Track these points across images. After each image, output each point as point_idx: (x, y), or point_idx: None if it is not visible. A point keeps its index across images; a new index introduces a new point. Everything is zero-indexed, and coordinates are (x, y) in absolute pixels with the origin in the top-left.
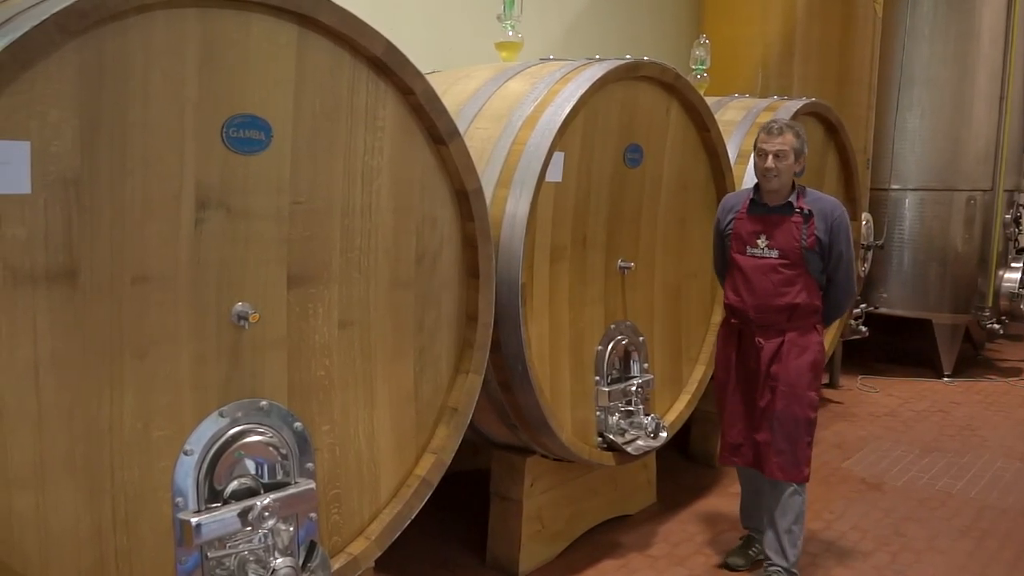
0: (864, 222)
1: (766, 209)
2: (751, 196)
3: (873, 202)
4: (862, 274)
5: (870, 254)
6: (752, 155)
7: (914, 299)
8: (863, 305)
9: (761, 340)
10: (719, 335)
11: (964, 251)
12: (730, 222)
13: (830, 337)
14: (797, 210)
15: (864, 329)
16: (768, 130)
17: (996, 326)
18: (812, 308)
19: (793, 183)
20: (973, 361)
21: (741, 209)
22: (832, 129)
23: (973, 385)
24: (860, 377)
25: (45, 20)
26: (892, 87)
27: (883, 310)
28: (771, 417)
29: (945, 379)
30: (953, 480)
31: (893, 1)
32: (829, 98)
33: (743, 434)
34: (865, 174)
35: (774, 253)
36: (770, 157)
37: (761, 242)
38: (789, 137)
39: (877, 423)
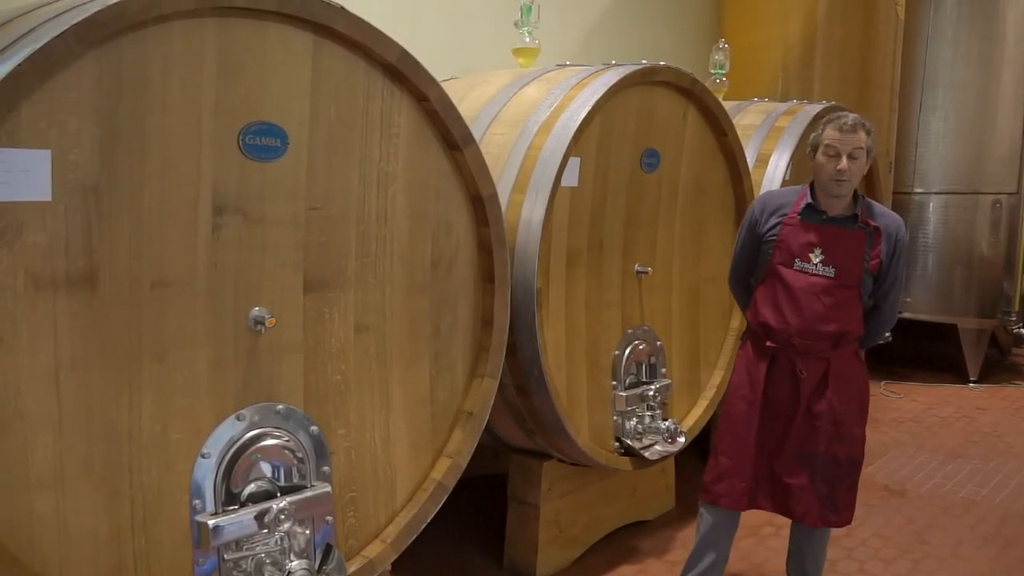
0: None
1: (823, 218)
2: (806, 199)
3: (895, 205)
4: None
5: None
6: (813, 153)
7: (939, 303)
8: None
9: (803, 370)
10: (743, 357)
11: (990, 255)
12: (775, 226)
13: None
14: (862, 224)
15: (888, 334)
16: (839, 126)
17: (1023, 331)
18: (856, 335)
19: (855, 191)
20: (999, 366)
21: (791, 213)
22: None
23: (999, 391)
24: (884, 382)
25: (65, 31)
26: (915, 89)
27: (907, 315)
28: (809, 459)
29: (971, 384)
30: (978, 487)
31: (916, 3)
32: (850, 101)
33: (762, 476)
34: (887, 177)
35: (830, 271)
36: (844, 158)
37: (815, 257)
38: (862, 134)
39: (901, 429)
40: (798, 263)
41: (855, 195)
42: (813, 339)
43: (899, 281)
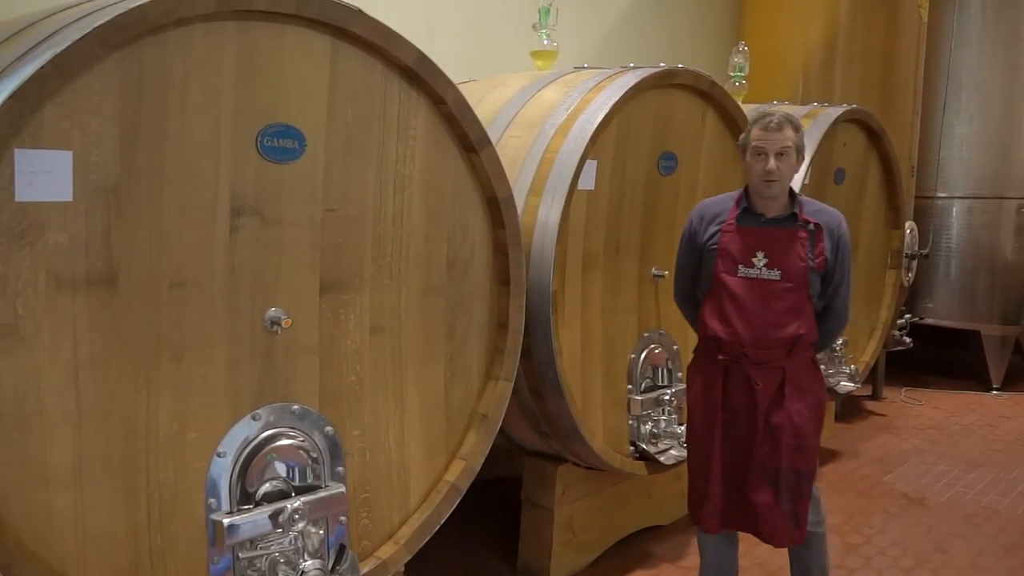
0: (908, 231)
1: (762, 220)
2: (742, 204)
3: (918, 210)
4: (906, 284)
5: (915, 263)
6: (743, 155)
7: (961, 309)
8: (907, 315)
9: (758, 381)
10: (693, 373)
11: (1014, 260)
12: (714, 235)
13: (871, 348)
14: (801, 223)
15: (908, 340)
16: (764, 125)
17: None
18: (811, 341)
19: (790, 189)
20: (1023, 374)
21: (728, 219)
22: (874, 136)
23: (1023, 398)
24: (904, 389)
25: (88, 34)
26: (938, 92)
27: (929, 321)
28: (773, 475)
29: (994, 392)
30: (999, 496)
31: (939, 6)
32: (872, 105)
33: (731, 495)
34: (910, 181)
35: (775, 274)
36: (771, 158)
37: (759, 261)
38: (789, 132)
39: (921, 436)
40: (742, 269)
41: (791, 194)
42: (766, 348)
43: (846, 278)
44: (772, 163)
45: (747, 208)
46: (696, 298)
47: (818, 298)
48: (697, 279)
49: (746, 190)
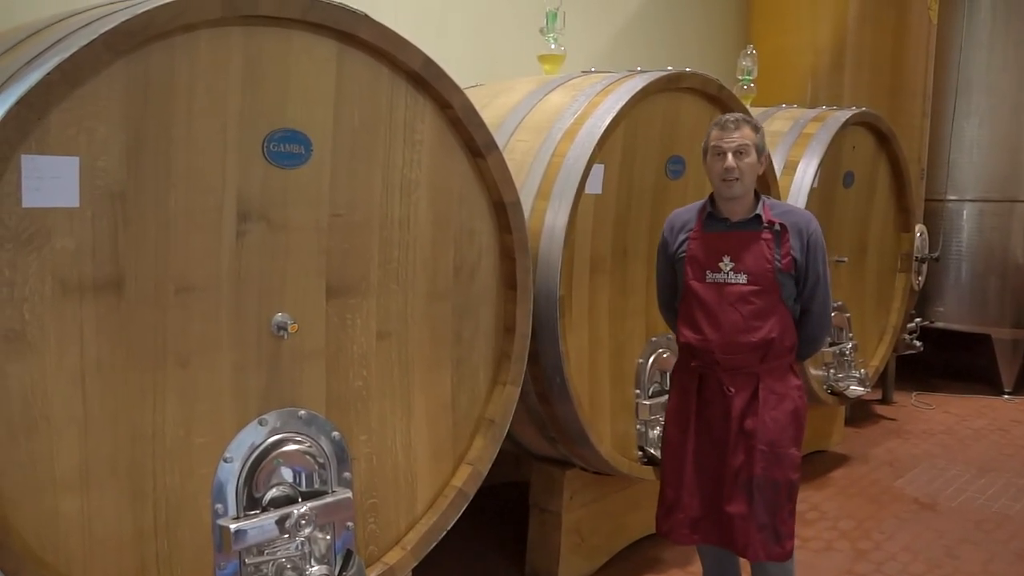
0: (918, 234)
1: (727, 225)
2: (707, 210)
3: (928, 213)
4: (916, 287)
5: (925, 267)
6: (704, 159)
7: (972, 313)
8: (918, 319)
9: (730, 387)
10: (672, 382)
11: None
12: (682, 243)
13: (881, 352)
14: (766, 225)
15: (919, 344)
16: (721, 125)
17: None
18: (788, 345)
19: (756, 191)
20: None
21: (695, 227)
22: (883, 138)
23: None
24: (915, 393)
25: (94, 40)
26: (948, 95)
27: (939, 324)
28: (747, 484)
29: (1005, 396)
30: (1011, 501)
31: (949, 8)
32: (881, 107)
33: (705, 505)
34: (919, 184)
35: (742, 278)
36: (729, 155)
37: (725, 265)
38: (747, 131)
39: (932, 441)
40: (709, 275)
41: (757, 196)
42: (736, 353)
43: (822, 279)
44: (731, 160)
45: (712, 213)
46: (675, 309)
47: (795, 301)
48: (675, 289)
49: (711, 197)
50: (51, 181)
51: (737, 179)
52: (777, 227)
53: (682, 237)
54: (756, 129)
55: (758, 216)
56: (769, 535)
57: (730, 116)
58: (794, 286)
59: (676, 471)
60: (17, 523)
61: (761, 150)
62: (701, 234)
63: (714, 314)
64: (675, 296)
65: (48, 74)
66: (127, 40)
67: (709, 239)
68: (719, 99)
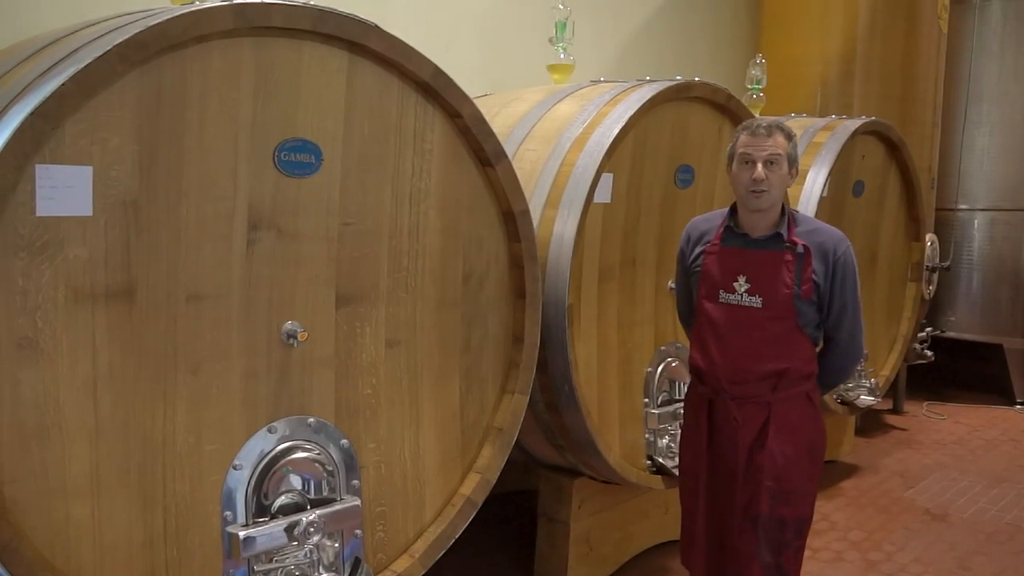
0: (929, 243)
1: (746, 241)
2: (727, 222)
3: (939, 222)
4: (927, 296)
5: (935, 276)
6: (730, 166)
7: (984, 323)
8: (929, 329)
9: (737, 416)
10: (687, 403)
11: None
12: (698, 257)
13: (892, 362)
14: (788, 245)
15: (930, 353)
16: (752, 131)
17: None
18: (804, 374)
19: (782, 206)
20: None
21: (713, 240)
22: (894, 148)
23: None
24: (926, 403)
25: (108, 51)
26: (959, 104)
27: (951, 334)
28: (753, 520)
29: (1017, 406)
30: (1023, 513)
31: (960, 17)
32: (892, 117)
33: (715, 538)
34: (930, 194)
35: (756, 301)
36: (759, 166)
37: (740, 286)
38: (780, 139)
39: (943, 451)
40: (723, 295)
41: (783, 211)
42: (745, 382)
43: (850, 306)
44: (760, 171)
45: (730, 227)
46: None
47: (817, 328)
48: (692, 301)
49: (733, 207)
50: (65, 190)
51: (765, 191)
52: (800, 248)
53: (698, 250)
54: (789, 137)
55: (780, 234)
56: (772, 575)
57: (762, 120)
58: (815, 313)
59: (691, 503)
60: (29, 530)
61: (793, 161)
62: (719, 248)
63: (724, 338)
64: (693, 310)
65: (62, 85)
66: (140, 51)
67: (726, 255)
68: (728, 108)
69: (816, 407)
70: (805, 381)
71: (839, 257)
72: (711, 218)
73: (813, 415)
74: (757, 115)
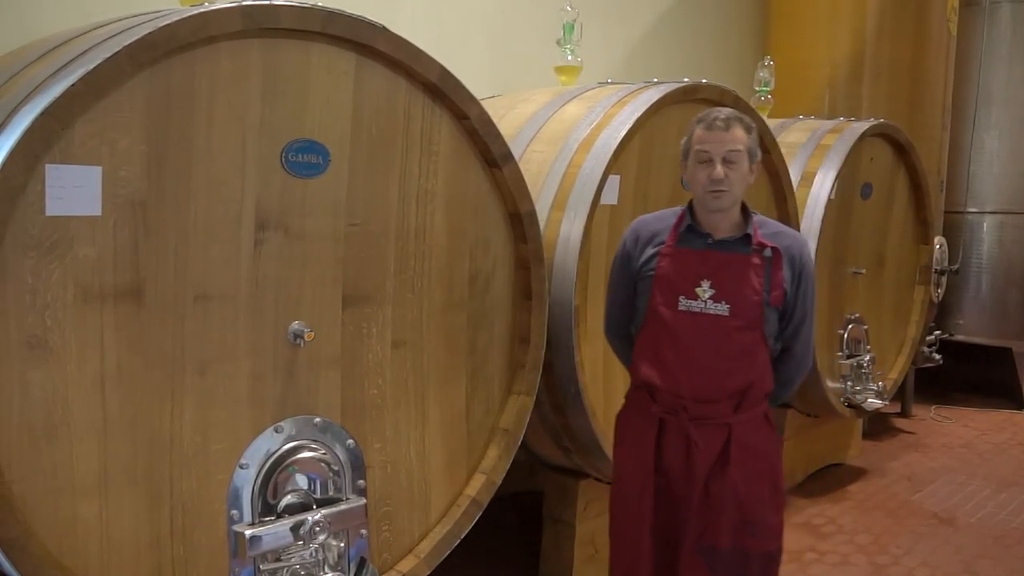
0: (938, 246)
1: (710, 242)
2: (686, 222)
3: (948, 225)
4: (935, 300)
5: (944, 279)
6: (684, 162)
7: (993, 326)
8: (937, 332)
9: (697, 439)
10: (622, 424)
11: None
12: (651, 259)
13: (900, 365)
14: (756, 247)
15: (938, 357)
16: (709, 124)
17: None
18: (764, 392)
19: (743, 204)
20: None
21: (668, 241)
22: (902, 150)
23: None
24: (934, 407)
25: (118, 52)
26: (968, 107)
27: (959, 337)
28: (709, 553)
29: None
30: None
31: (969, 20)
32: (900, 119)
33: (663, 571)
34: (938, 196)
35: (723, 309)
36: (718, 164)
37: (703, 292)
38: (739, 132)
39: (951, 455)
40: (683, 301)
41: (744, 210)
42: (709, 400)
43: (809, 315)
44: (719, 170)
45: (691, 226)
46: (631, 336)
47: (776, 340)
48: (632, 313)
49: (691, 205)
50: (74, 190)
51: (727, 191)
52: (769, 252)
53: (650, 251)
54: (749, 130)
55: (747, 235)
56: None
57: (719, 113)
58: (777, 322)
59: (633, 534)
60: (37, 528)
61: (753, 156)
62: (675, 250)
63: (687, 351)
64: (631, 322)
65: (72, 85)
66: (150, 52)
67: (685, 257)
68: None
69: (774, 427)
70: (764, 400)
71: (804, 264)
72: (663, 217)
73: (774, 438)
74: (764, 115)
